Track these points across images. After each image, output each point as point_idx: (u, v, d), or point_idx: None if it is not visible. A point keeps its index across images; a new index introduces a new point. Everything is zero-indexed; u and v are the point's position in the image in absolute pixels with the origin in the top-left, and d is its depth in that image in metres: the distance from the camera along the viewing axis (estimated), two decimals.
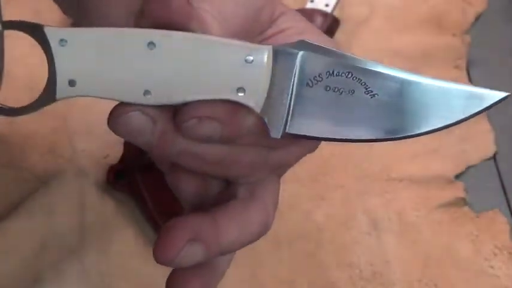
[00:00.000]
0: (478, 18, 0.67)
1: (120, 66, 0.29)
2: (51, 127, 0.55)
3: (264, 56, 0.29)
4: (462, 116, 0.29)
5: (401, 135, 0.29)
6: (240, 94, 0.29)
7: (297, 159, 0.32)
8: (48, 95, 0.29)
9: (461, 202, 0.55)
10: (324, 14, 0.62)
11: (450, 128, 0.62)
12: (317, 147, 0.33)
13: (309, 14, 0.62)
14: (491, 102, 0.30)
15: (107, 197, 0.53)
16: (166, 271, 0.51)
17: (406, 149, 0.58)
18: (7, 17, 0.63)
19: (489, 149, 0.59)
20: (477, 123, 0.60)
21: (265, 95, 0.29)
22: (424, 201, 0.55)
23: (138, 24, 0.29)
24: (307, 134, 0.29)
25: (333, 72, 0.29)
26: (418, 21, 0.66)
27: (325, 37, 0.33)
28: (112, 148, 0.54)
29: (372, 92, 0.29)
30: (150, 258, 0.52)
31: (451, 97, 0.29)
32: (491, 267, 0.52)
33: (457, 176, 0.57)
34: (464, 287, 0.52)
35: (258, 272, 0.51)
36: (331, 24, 0.62)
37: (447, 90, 0.29)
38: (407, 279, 0.51)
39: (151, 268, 0.51)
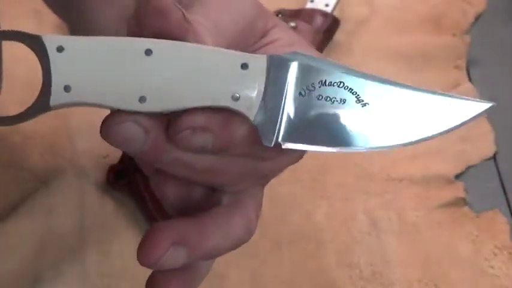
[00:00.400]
0: (478, 18, 0.67)
1: (116, 72, 0.29)
2: (51, 127, 0.55)
3: (259, 64, 0.29)
4: (449, 126, 0.30)
5: (393, 144, 0.30)
6: (235, 101, 0.29)
7: (283, 169, 0.33)
8: (42, 102, 0.29)
9: (461, 202, 0.55)
10: (324, 14, 0.62)
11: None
12: (302, 157, 0.33)
13: (309, 14, 0.62)
14: (477, 113, 0.31)
15: (107, 197, 0.53)
16: None
17: (406, 149, 0.58)
18: (8, 16, 0.63)
19: (489, 149, 0.59)
20: (477, 123, 0.60)
21: (259, 103, 0.29)
22: (424, 201, 0.55)
23: (134, 34, 0.30)
24: (300, 144, 0.30)
25: (325, 82, 0.29)
26: (418, 21, 0.66)
27: (314, 50, 0.34)
28: (112, 148, 0.54)
29: (363, 101, 0.30)
30: None
31: (437, 107, 0.30)
32: (491, 267, 0.52)
33: (457, 176, 0.57)
34: (464, 287, 0.52)
35: (258, 272, 0.51)
36: (331, 24, 0.62)
37: (434, 100, 0.30)
38: (407, 279, 0.51)
39: None
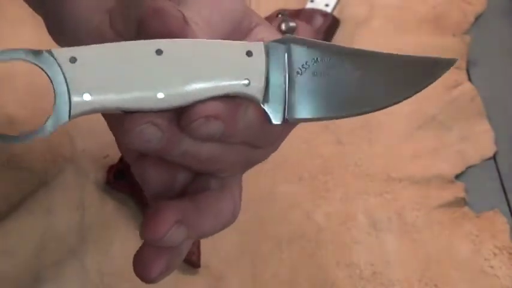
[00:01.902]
0: (478, 18, 0.67)
1: (131, 75, 0.30)
2: None
3: (260, 49, 0.32)
4: (430, 81, 0.34)
5: (384, 106, 0.33)
6: (246, 87, 0.31)
7: (264, 159, 0.36)
8: (60, 114, 0.29)
9: (461, 202, 0.55)
10: (324, 14, 0.62)
11: (450, 128, 0.62)
12: (278, 147, 0.36)
13: (309, 14, 0.62)
14: (449, 65, 0.34)
15: (107, 197, 0.53)
16: None
17: (406, 149, 0.58)
18: (8, 16, 0.62)
19: (489, 149, 0.59)
20: (477, 123, 0.60)
21: (265, 85, 0.32)
22: (424, 201, 0.55)
23: (134, 37, 0.31)
24: (305, 117, 0.32)
25: (317, 59, 0.33)
26: (417, 21, 0.66)
27: None
28: (112, 148, 0.54)
29: (354, 70, 0.33)
30: None
31: (419, 66, 0.34)
32: (491, 267, 0.52)
33: (457, 176, 0.57)
34: (464, 287, 0.52)
35: (258, 272, 0.51)
36: (331, 24, 0.62)
37: (415, 60, 0.34)
38: (408, 279, 0.51)
39: None
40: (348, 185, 0.56)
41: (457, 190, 0.56)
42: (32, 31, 0.60)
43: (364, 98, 0.33)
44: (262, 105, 0.32)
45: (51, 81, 0.29)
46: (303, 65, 0.32)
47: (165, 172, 0.33)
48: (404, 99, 0.34)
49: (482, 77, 0.63)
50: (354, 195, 0.55)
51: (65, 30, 0.35)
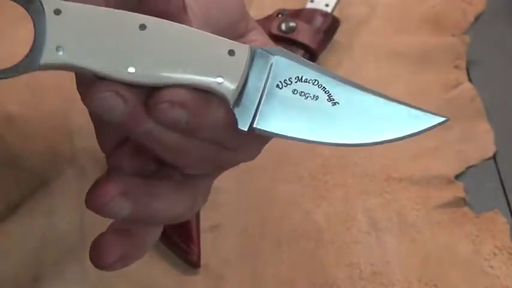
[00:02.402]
0: (477, 18, 0.67)
1: (110, 41, 0.30)
2: (51, 126, 0.55)
3: (244, 52, 0.31)
4: (408, 133, 0.33)
5: (356, 143, 0.33)
6: (219, 84, 0.31)
7: (239, 163, 0.35)
8: (32, 60, 0.30)
9: (461, 202, 0.55)
10: (324, 14, 0.62)
11: (450, 128, 0.62)
12: (257, 155, 0.36)
13: (309, 14, 0.62)
14: (433, 124, 0.34)
15: None
16: (166, 271, 0.51)
17: (406, 149, 0.58)
18: (8, 16, 0.63)
19: (489, 149, 0.59)
20: (477, 123, 0.60)
21: (240, 89, 0.31)
22: (424, 201, 0.55)
23: (131, 10, 0.31)
24: (271, 131, 0.32)
25: (301, 78, 0.32)
26: (417, 21, 0.66)
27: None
28: None
29: (333, 100, 0.32)
30: (151, 259, 0.52)
31: (399, 115, 0.33)
32: (491, 267, 0.52)
33: (457, 176, 0.57)
34: (464, 287, 0.52)
35: (258, 272, 0.51)
36: (331, 24, 0.62)
37: (398, 108, 0.33)
38: (407, 279, 0.51)
39: (151, 268, 0.51)
40: (348, 185, 0.56)
41: (457, 190, 0.56)
42: (32, 31, 0.60)
43: (336, 130, 0.32)
44: (232, 108, 0.31)
45: (34, 27, 0.30)
46: (285, 80, 0.32)
47: (138, 163, 0.34)
48: (379, 143, 0.33)
49: (482, 77, 0.63)
50: (354, 195, 0.55)
51: None
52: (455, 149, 0.58)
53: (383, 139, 0.33)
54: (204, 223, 0.52)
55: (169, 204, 0.33)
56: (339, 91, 0.32)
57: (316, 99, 0.32)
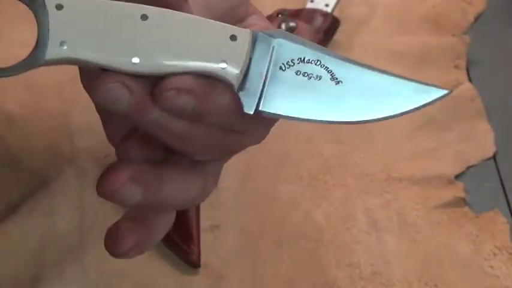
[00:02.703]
0: (478, 18, 0.67)
1: (112, 33, 0.30)
2: (51, 126, 0.55)
3: (245, 36, 0.32)
4: (412, 107, 0.33)
5: (360, 120, 0.33)
6: (223, 70, 0.31)
7: (247, 146, 0.36)
8: (37, 55, 0.30)
9: (461, 202, 0.55)
10: (324, 14, 0.62)
11: (450, 128, 0.62)
12: (264, 138, 0.36)
13: (309, 14, 0.62)
14: (435, 97, 0.34)
15: None
16: (166, 271, 0.51)
17: (406, 149, 0.58)
18: (8, 16, 0.63)
19: (489, 149, 0.59)
20: (477, 123, 0.60)
21: (243, 73, 0.32)
22: (424, 201, 0.55)
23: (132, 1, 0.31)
24: (277, 112, 0.32)
25: (303, 59, 0.32)
26: (417, 21, 0.66)
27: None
28: (112, 148, 0.54)
29: (337, 79, 0.32)
30: (150, 259, 0.52)
31: (403, 89, 0.33)
32: (491, 267, 0.52)
33: (457, 176, 0.57)
34: (464, 287, 0.52)
35: (258, 272, 0.51)
36: (331, 24, 0.62)
37: (400, 83, 0.33)
38: (407, 279, 0.51)
39: (151, 268, 0.51)
40: (348, 185, 0.56)
41: (457, 190, 0.56)
42: (32, 31, 0.60)
43: (342, 109, 0.33)
44: (236, 92, 0.32)
45: (37, 23, 0.30)
46: (288, 62, 0.32)
47: (146, 146, 0.34)
48: (384, 118, 0.33)
49: (482, 77, 0.63)
50: (354, 195, 0.55)
51: None
52: (455, 149, 0.58)
53: (388, 114, 0.33)
54: (204, 223, 0.52)
55: (179, 189, 0.34)
56: (342, 70, 0.32)
57: (320, 79, 0.32)
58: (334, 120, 0.33)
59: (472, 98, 0.61)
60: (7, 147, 0.54)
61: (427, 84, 0.34)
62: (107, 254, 0.50)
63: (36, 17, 0.30)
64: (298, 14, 0.62)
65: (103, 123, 0.36)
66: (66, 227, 0.51)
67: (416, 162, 0.57)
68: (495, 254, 0.53)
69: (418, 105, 0.34)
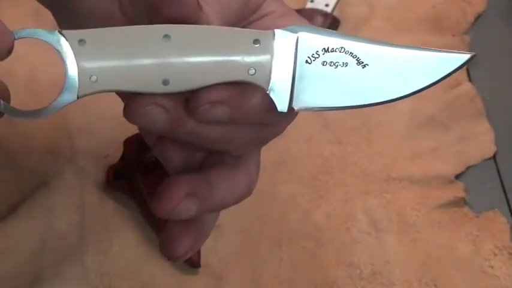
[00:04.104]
0: (478, 18, 0.67)
1: (138, 59, 0.30)
2: (51, 126, 0.55)
3: (268, 38, 0.32)
4: (440, 76, 0.33)
5: (392, 98, 0.33)
6: (252, 75, 0.31)
7: (283, 131, 0.36)
8: (69, 93, 0.30)
9: (461, 202, 0.55)
10: (324, 14, 0.62)
11: (450, 128, 0.62)
12: (296, 115, 0.36)
13: (309, 14, 0.62)
14: (460, 63, 0.34)
15: (107, 197, 0.53)
16: (166, 271, 0.51)
17: (406, 149, 0.58)
18: (8, 16, 0.63)
19: (489, 149, 0.59)
20: (477, 123, 0.60)
21: (272, 74, 0.32)
22: (424, 201, 0.55)
23: (150, 22, 0.32)
24: (309, 106, 0.33)
25: (327, 49, 0.32)
26: (417, 21, 0.66)
27: (306, 20, 0.36)
28: (112, 148, 0.54)
29: (362, 63, 0.33)
30: (150, 258, 0.52)
31: (426, 61, 0.33)
32: (491, 267, 0.52)
33: (457, 176, 0.57)
34: (464, 287, 0.52)
35: (258, 272, 0.51)
36: (331, 24, 0.62)
37: (423, 55, 0.33)
38: (407, 279, 0.51)
39: (151, 268, 0.51)
40: (348, 185, 0.56)
41: (457, 190, 0.56)
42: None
43: (372, 91, 0.33)
44: (268, 93, 0.32)
45: (62, 61, 0.30)
46: (312, 55, 0.32)
47: (184, 150, 0.34)
48: (414, 93, 0.33)
49: (482, 77, 0.63)
50: (354, 195, 0.55)
51: (74, 16, 0.35)
52: (455, 149, 0.58)
53: (418, 87, 0.33)
54: None
55: (229, 190, 0.34)
56: (366, 52, 0.33)
57: (346, 65, 0.32)
58: (367, 103, 0.33)
59: (472, 98, 0.61)
60: (7, 147, 0.54)
61: (449, 51, 0.34)
62: (107, 254, 0.51)
63: (60, 55, 0.30)
64: (298, 14, 0.62)
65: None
66: (66, 227, 0.51)
67: (416, 162, 0.57)
68: (495, 254, 0.53)
69: (444, 74, 0.34)
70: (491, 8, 0.67)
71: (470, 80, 0.63)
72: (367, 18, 0.66)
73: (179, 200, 0.32)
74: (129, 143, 0.52)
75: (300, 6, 0.63)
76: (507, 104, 0.62)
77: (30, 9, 0.61)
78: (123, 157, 0.53)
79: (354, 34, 0.64)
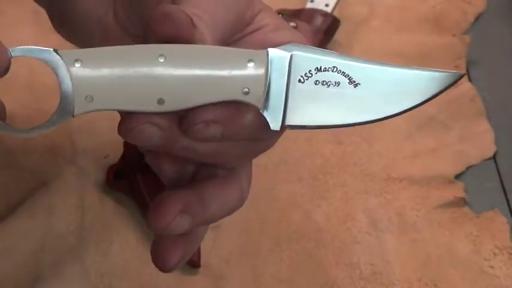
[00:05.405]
0: (478, 18, 0.67)
1: (134, 78, 0.31)
2: None
3: (262, 59, 0.32)
4: (431, 95, 0.34)
5: (381, 117, 0.33)
6: (245, 95, 0.32)
7: (268, 148, 0.37)
8: (65, 112, 0.31)
9: (461, 202, 0.55)
10: (324, 14, 0.62)
11: (450, 128, 0.62)
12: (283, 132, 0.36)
13: (309, 14, 0.62)
14: (450, 82, 0.34)
15: (107, 197, 0.53)
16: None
17: (406, 149, 0.58)
18: (8, 16, 0.63)
19: (489, 149, 0.59)
20: (477, 123, 0.60)
21: (265, 93, 0.32)
22: (424, 201, 0.55)
23: (144, 39, 0.32)
24: (302, 124, 0.33)
25: (320, 68, 0.33)
26: (417, 21, 0.66)
27: (299, 33, 0.37)
28: (112, 148, 0.54)
29: (354, 82, 0.33)
30: (150, 258, 0.52)
31: (417, 80, 0.34)
32: (491, 267, 0.52)
33: (457, 176, 0.57)
34: (464, 287, 0.52)
35: (258, 272, 0.51)
36: (331, 24, 0.62)
37: (414, 74, 0.34)
38: (407, 279, 0.51)
39: (151, 268, 0.50)
40: (348, 185, 0.56)
41: (457, 190, 0.56)
42: (32, 31, 0.60)
43: (363, 110, 0.33)
44: (261, 112, 0.32)
45: (58, 80, 0.30)
46: (305, 74, 0.33)
47: (176, 161, 0.35)
48: (406, 111, 0.34)
49: (482, 77, 0.63)
50: (354, 195, 0.55)
51: (69, 21, 0.35)
52: (455, 149, 0.58)
53: (409, 106, 0.34)
54: None
55: (221, 203, 0.35)
56: (358, 72, 0.33)
57: (338, 85, 0.33)
58: (359, 121, 0.33)
59: (472, 98, 0.61)
60: (7, 147, 0.54)
61: (440, 71, 0.34)
62: (107, 254, 0.51)
63: (56, 74, 0.30)
64: (298, 14, 0.62)
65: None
66: (66, 227, 0.51)
67: (416, 162, 0.57)
68: (495, 254, 0.53)
69: (435, 93, 0.34)
70: (491, 8, 0.67)
71: (470, 80, 0.63)
72: (367, 18, 0.66)
73: (173, 217, 0.32)
74: (129, 143, 0.52)
75: (300, 6, 0.63)
76: (507, 104, 0.62)
77: (30, 9, 0.61)
78: (123, 157, 0.53)
79: (354, 34, 0.65)
